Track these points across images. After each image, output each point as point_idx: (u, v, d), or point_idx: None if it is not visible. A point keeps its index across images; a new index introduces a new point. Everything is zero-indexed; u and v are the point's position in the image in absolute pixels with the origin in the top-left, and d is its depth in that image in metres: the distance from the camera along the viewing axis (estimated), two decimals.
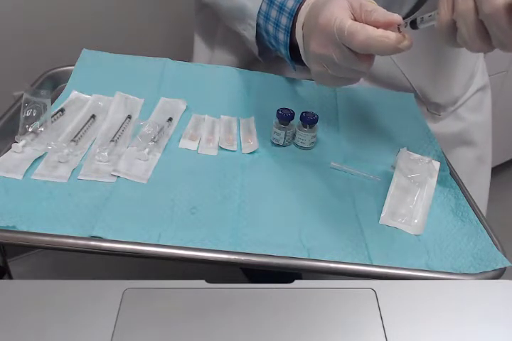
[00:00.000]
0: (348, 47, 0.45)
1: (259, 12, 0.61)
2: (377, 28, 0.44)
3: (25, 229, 0.43)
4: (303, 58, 0.55)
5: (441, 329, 0.36)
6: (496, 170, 0.93)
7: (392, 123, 0.68)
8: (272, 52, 0.68)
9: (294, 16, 0.56)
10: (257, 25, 0.62)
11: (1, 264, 0.59)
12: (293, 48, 0.58)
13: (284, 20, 0.57)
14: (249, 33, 0.64)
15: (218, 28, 0.76)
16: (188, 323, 0.35)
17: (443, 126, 0.79)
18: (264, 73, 0.71)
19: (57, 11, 1.10)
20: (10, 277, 0.60)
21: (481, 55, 0.82)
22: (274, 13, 0.59)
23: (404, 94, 0.74)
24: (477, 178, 0.85)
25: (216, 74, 0.71)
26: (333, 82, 0.52)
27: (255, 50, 0.67)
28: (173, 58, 0.71)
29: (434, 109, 0.78)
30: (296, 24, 0.54)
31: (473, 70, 0.80)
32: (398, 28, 0.44)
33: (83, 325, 0.34)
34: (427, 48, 0.71)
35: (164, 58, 0.71)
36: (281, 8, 0.57)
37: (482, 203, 0.85)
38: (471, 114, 0.81)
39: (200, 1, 0.71)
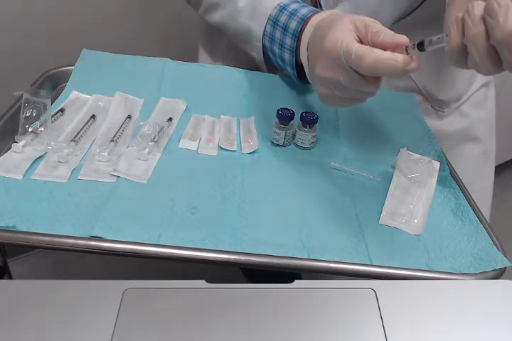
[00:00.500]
0: (355, 70, 0.45)
1: (264, 33, 0.62)
2: (385, 49, 0.44)
3: (25, 229, 0.43)
4: (308, 79, 0.55)
5: (441, 329, 0.36)
6: (497, 170, 0.93)
7: (392, 123, 0.68)
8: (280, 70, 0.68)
9: (297, 37, 0.56)
10: (263, 46, 0.63)
11: (1, 264, 0.59)
12: (300, 67, 0.59)
13: (288, 41, 0.58)
14: (257, 54, 0.65)
15: (220, 42, 0.77)
16: (188, 323, 0.35)
17: (447, 123, 0.80)
18: (264, 73, 0.71)
19: (58, 11, 1.10)
20: (10, 277, 0.60)
21: None
22: (278, 34, 0.59)
23: (405, 94, 0.74)
24: (483, 174, 0.85)
25: (216, 74, 0.71)
26: (340, 103, 0.52)
27: (264, 69, 0.69)
28: (173, 58, 0.71)
29: (438, 105, 0.78)
30: (301, 45, 0.54)
31: None
32: (406, 50, 0.44)
33: (83, 325, 0.34)
34: None
35: (164, 58, 0.71)
36: (284, 29, 0.58)
37: (487, 199, 0.85)
38: (474, 110, 0.81)
39: (204, 19, 0.72)
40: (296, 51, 0.57)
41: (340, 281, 0.40)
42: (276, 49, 0.60)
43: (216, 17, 0.69)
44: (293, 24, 0.57)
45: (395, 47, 0.44)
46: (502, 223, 0.84)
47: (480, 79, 0.82)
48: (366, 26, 0.45)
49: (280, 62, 0.62)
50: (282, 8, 0.59)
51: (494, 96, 0.86)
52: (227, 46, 0.76)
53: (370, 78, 0.46)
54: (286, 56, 0.59)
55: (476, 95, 0.81)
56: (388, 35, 0.44)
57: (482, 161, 0.84)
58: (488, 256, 0.47)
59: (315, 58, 0.50)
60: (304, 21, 0.56)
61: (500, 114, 0.90)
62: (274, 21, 0.60)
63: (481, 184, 0.84)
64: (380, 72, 0.44)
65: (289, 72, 0.61)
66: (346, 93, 0.49)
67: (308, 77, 0.55)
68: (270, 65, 0.68)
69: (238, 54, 0.70)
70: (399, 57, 0.43)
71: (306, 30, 0.54)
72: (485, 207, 0.84)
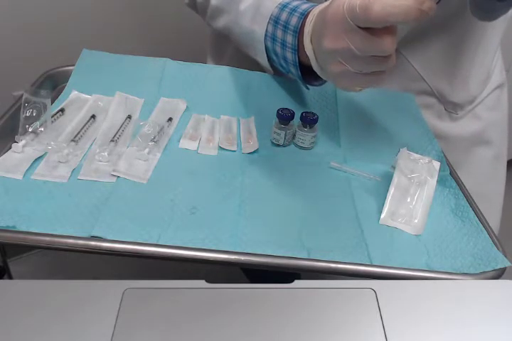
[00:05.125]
0: (365, 30, 0.42)
1: (265, 34, 0.60)
2: None
3: (25, 229, 0.43)
4: (314, 68, 0.52)
5: (441, 329, 0.36)
6: None
7: (393, 123, 0.68)
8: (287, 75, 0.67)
9: (298, 33, 0.55)
10: (266, 48, 0.62)
11: (1, 264, 0.59)
12: (303, 68, 0.57)
13: (289, 39, 0.56)
14: (261, 58, 0.64)
15: (226, 52, 0.77)
16: (188, 323, 0.35)
17: (461, 126, 0.79)
18: (264, 73, 0.71)
19: (57, 11, 1.10)
20: (10, 277, 0.60)
21: (499, 51, 0.81)
22: (279, 33, 0.58)
23: (405, 94, 0.74)
24: (494, 178, 0.85)
25: (216, 74, 0.71)
26: (359, 82, 0.47)
27: (271, 74, 0.68)
28: (174, 58, 0.71)
29: (452, 108, 0.78)
30: (304, 38, 0.52)
31: (489, 68, 0.79)
32: None
33: (83, 325, 0.34)
34: (443, 48, 0.71)
35: (164, 58, 0.71)
36: (285, 27, 0.57)
37: (498, 203, 0.85)
38: (488, 112, 0.81)
39: (212, 27, 0.72)
40: (298, 49, 0.56)
41: (340, 281, 0.40)
42: (278, 49, 0.59)
43: (221, 22, 0.69)
44: (294, 20, 0.55)
45: None
46: (502, 223, 0.84)
47: (494, 81, 0.81)
48: None
49: (283, 63, 0.61)
50: (283, 7, 0.58)
51: (507, 98, 0.85)
52: (233, 55, 0.77)
53: (382, 32, 0.41)
54: (289, 55, 0.58)
55: (490, 97, 0.81)
56: None
57: (494, 165, 0.84)
58: (488, 256, 0.47)
59: (320, 36, 0.47)
60: (305, 15, 0.54)
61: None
62: (275, 20, 0.59)
63: (493, 188, 0.84)
64: (393, 17, 0.39)
65: (293, 72, 0.60)
66: (361, 64, 0.44)
67: (315, 69, 0.52)
68: (276, 71, 0.67)
69: (244, 63, 0.70)
70: None
71: (307, 21, 0.52)
72: (495, 211, 0.84)
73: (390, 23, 0.40)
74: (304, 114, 0.60)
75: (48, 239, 0.42)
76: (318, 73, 0.52)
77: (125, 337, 0.34)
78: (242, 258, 0.43)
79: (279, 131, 0.60)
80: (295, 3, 0.57)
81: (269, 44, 0.61)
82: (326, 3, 0.51)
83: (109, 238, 0.43)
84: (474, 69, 0.75)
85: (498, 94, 0.82)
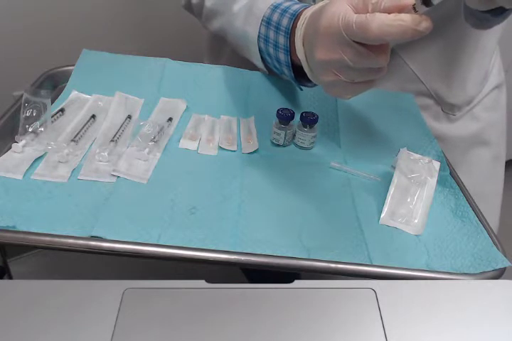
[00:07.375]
0: (359, 43, 0.42)
1: (258, 36, 0.60)
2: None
3: (25, 229, 0.43)
4: (308, 75, 0.52)
5: (441, 329, 0.36)
6: None
7: (392, 123, 0.68)
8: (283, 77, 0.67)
9: (290, 34, 0.54)
10: (260, 50, 0.62)
11: (1, 264, 0.59)
12: (296, 69, 0.57)
13: (281, 40, 0.56)
14: (256, 60, 0.64)
15: (223, 55, 0.77)
16: (188, 323, 0.35)
17: (459, 127, 0.79)
18: (264, 73, 0.71)
19: (57, 11, 1.10)
20: (10, 277, 0.60)
21: (497, 52, 0.81)
22: (272, 34, 0.58)
23: (404, 94, 0.74)
24: (493, 178, 0.85)
25: (216, 74, 0.71)
26: (350, 90, 0.46)
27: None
28: (174, 58, 0.71)
29: (449, 109, 0.78)
30: (296, 40, 0.52)
31: (487, 69, 0.79)
32: (414, 10, 0.40)
33: (83, 325, 0.34)
34: (440, 49, 0.71)
35: (164, 58, 0.71)
36: (277, 28, 0.56)
37: (497, 203, 0.85)
38: (486, 113, 0.81)
39: (208, 29, 0.72)
40: (290, 49, 0.55)
41: (340, 281, 0.40)
42: (271, 50, 0.59)
43: (216, 24, 0.69)
44: (285, 21, 0.55)
45: (400, 11, 0.39)
46: (502, 223, 0.84)
47: (492, 81, 0.81)
48: (364, 0, 0.41)
49: (277, 65, 0.60)
50: (275, 8, 0.58)
51: (505, 98, 0.85)
52: (230, 57, 0.77)
53: (377, 47, 0.42)
54: (281, 56, 0.57)
55: (488, 98, 0.80)
56: (389, 0, 0.40)
57: (493, 165, 0.84)
58: (488, 256, 0.47)
59: (312, 45, 0.46)
60: (296, 16, 0.53)
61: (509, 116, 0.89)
62: (267, 21, 0.58)
63: (491, 188, 0.84)
64: (390, 36, 0.39)
65: (286, 74, 0.60)
66: (354, 75, 0.44)
67: (307, 73, 0.52)
68: (272, 73, 0.67)
69: (240, 65, 0.70)
70: (405, 17, 0.38)
71: (298, 23, 0.51)
72: (494, 212, 0.84)
73: (386, 42, 0.41)
74: (303, 114, 0.60)
75: (48, 239, 0.42)
76: (309, 76, 0.52)
77: (125, 337, 0.34)
78: (242, 258, 0.43)
79: (279, 131, 0.60)
80: (286, 4, 0.57)
81: (262, 45, 0.61)
82: (316, 6, 0.51)
83: (109, 238, 0.43)
84: (472, 70, 0.75)
85: (496, 94, 0.82)
